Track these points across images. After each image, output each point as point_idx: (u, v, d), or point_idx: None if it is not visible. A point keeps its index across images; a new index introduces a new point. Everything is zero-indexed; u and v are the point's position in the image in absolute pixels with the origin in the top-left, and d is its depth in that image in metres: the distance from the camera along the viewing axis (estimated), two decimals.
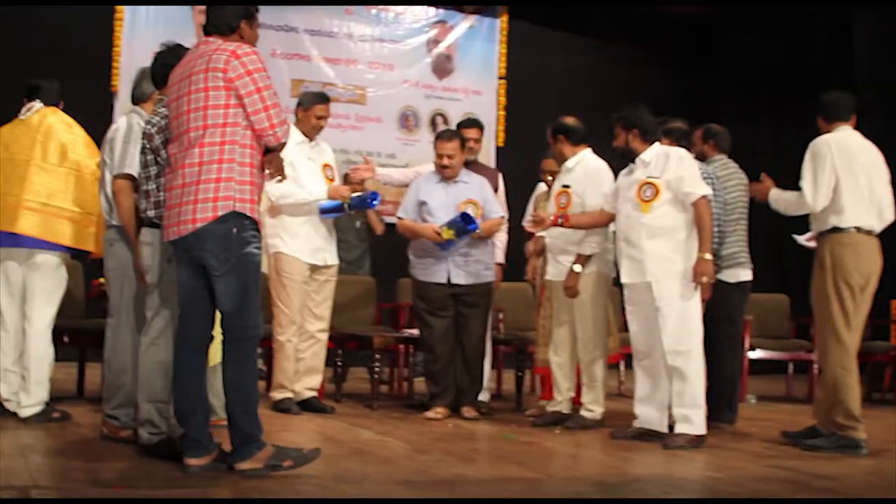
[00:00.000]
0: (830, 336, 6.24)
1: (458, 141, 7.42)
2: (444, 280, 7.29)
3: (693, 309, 6.30)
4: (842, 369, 6.19)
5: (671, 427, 6.40)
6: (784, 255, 12.27)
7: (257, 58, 4.74)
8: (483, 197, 7.42)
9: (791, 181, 6.51)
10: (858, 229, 6.24)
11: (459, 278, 7.29)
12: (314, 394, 7.39)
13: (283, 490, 4.46)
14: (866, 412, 6.44)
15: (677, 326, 6.25)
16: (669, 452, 6.03)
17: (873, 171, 6.35)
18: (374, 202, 7.36)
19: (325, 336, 7.48)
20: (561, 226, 6.81)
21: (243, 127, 4.70)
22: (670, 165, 6.34)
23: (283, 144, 4.91)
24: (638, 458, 5.84)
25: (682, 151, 6.50)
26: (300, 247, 7.27)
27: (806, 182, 6.26)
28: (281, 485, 4.54)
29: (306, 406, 7.26)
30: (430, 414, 7.20)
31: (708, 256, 6.23)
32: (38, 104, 6.40)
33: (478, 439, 6.47)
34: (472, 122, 8.17)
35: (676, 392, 6.28)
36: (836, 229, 6.25)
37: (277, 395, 7.25)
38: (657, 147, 6.49)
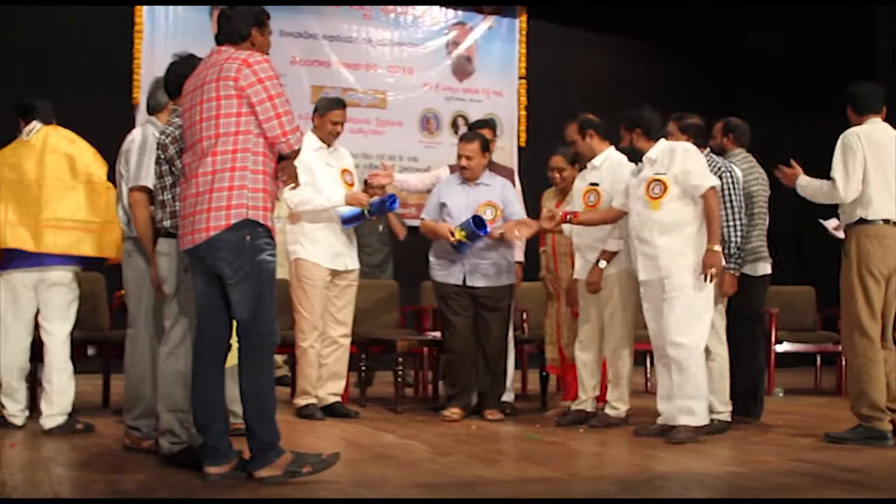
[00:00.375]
0: (854, 327, 6.23)
1: (480, 142, 7.38)
2: (459, 282, 7.30)
3: (701, 302, 6.28)
4: (866, 360, 6.18)
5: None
6: (809, 247, 12.19)
7: (269, 65, 4.74)
8: (504, 199, 7.39)
9: (812, 174, 6.48)
10: (886, 221, 6.22)
11: (475, 281, 7.29)
12: (338, 399, 7.41)
13: (302, 496, 4.47)
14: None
15: (682, 317, 6.25)
16: (694, 448, 5.99)
17: None
18: (394, 205, 7.34)
19: (347, 341, 7.50)
20: (570, 222, 6.81)
21: (255, 135, 4.69)
22: (676, 160, 6.33)
23: (297, 152, 4.91)
24: (662, 455, 5.80)
25: (687, 145, 6.48)
26: (320, 252, 7.28)
27: (837, 173, 6.24)
28: (300, 490, 4.55)
29: (330, 411, 7.28)
30: (446, 413, 7.22)
31: (717, 248, 6.21)
32: (37, 124, 6.44)
33: (501, 440, 6.44)
34: (483, 123, 8.19)
35: (677, 384, 6.28)
36: (862, 221, 6.23)
37: (301, 401, 7.27)
38: (662, 143, 6.48)
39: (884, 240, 6.21)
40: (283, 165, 4.92)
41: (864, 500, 4.72)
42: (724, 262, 6.53)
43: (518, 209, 7.47)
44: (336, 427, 6.82)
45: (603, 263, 6.85)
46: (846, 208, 6.33)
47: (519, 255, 7.75)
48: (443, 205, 7.40)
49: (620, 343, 6.92)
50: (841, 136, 6.30)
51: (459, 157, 7.39)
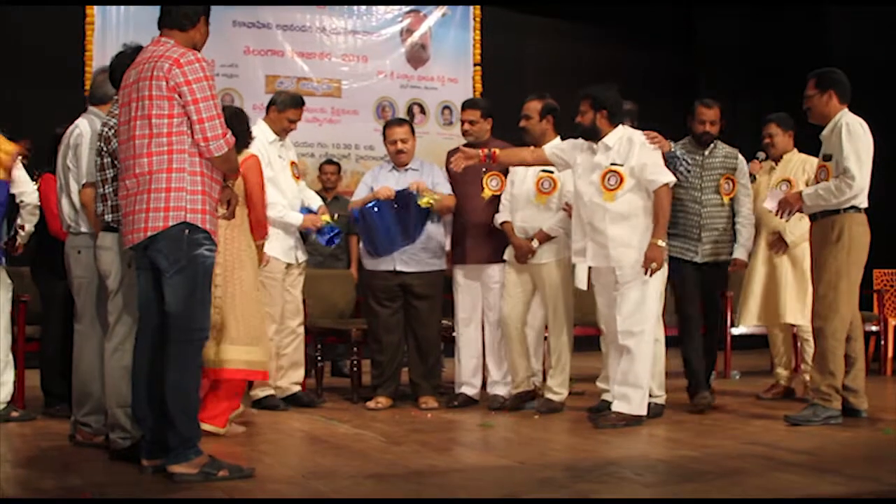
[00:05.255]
0: (834, 310, 6.31)
1: (409, 126, 7.53)
2: (390, 268, 7.29)
3: (651, 292, 6.33)
4: (836, 342, 6.31)
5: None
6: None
7: (200, 66, 4.65)
8: (432, 182, 7.37)
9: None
10: (858, 209, 6.33)
11: (405, 266, 7.28)
12: (299, 388, 7.43)
13: (253, 490, 4.44)
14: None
15: (633, 308, 6.29)
16: (649, 433, 6.05)
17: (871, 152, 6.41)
18: (331, 242, 7.49)
19: (302, 329, 7.52)
20: (490, 159, 6.84)
21: (189, 135, 4.65)
22: (633, 152, 6.34)
23: (226, 160, 4.76)
24: (616, 440, 5.81)
25: (643, 137, 6.47)
26: (276, 246, 7.23)
27: (852, 162, 6.22)
28: (250, 484, 4.53)
29: (293, 401, 7.27)
30: (370, 404, 7.24)
31: (661, 243, 6.24)
32: None
33: (455, 429, 6.43)
34: (469, 103, 7.80)
35: (622, 370, 6.33)
36: (854, 209, 6.31)
37: (260, 392, 7.22)
38: (620, 130, 6.47)
39: (866, 227, 6.37)
40: (227, 195, 4.98)
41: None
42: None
43: (445, 190, 7.41)
44: (291, 417, 6.77)
45: (535, 243, 6.91)
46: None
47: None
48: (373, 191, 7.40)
49: (561, 330, 6.98)
50: (845, 124, 6.29)
51: (393, 142, 7.44)
